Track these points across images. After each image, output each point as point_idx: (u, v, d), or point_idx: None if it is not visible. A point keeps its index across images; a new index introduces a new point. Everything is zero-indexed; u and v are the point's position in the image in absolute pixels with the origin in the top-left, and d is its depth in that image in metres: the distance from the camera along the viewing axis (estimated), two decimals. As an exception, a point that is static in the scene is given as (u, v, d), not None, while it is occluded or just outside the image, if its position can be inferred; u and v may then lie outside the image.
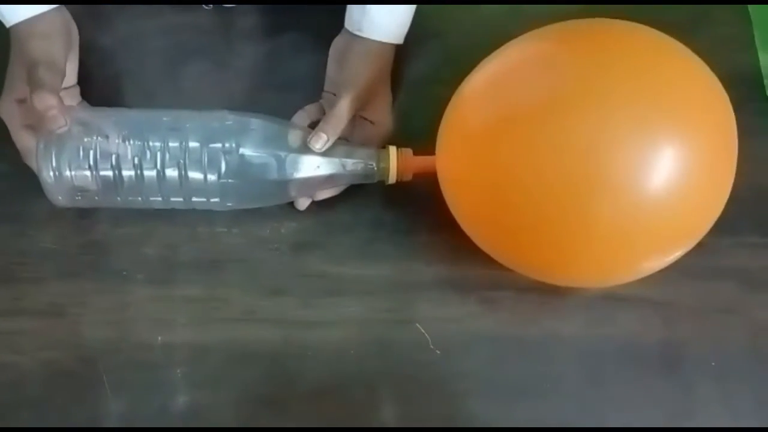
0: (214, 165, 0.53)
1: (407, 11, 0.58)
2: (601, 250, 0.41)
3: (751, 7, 0.65)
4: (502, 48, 0.45)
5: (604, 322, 0.55)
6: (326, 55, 0.61)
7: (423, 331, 0.55)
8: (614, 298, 0.56)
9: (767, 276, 0.56)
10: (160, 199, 0.55)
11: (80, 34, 0.60)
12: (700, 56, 0.43)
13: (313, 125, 0.56)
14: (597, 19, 0.41)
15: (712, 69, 0.44)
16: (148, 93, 0.62)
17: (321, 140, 0.54)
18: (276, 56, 0.65)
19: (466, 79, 0.50)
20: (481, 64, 0.49)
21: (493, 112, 0.43)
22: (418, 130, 0.60)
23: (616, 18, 0.43)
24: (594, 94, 0.37)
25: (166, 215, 0.58)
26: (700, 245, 0.55)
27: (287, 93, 0.63)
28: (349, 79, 0.56)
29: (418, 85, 0.63)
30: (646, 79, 0.37)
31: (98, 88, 0.61)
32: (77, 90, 0.59)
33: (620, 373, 0.54)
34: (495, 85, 0.44)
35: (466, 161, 0.48)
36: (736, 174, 0.45)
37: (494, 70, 0.46)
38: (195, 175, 0.53)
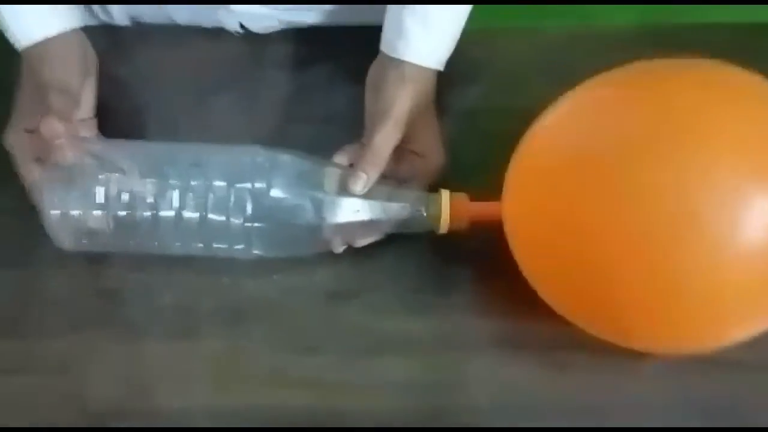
0: (240, 207, 0.47)
1: (448, 32, 0.51)
2: (692, 312, 0.36)
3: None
4: (586, 83, 0.40)
5: (697, 390, 0.46)
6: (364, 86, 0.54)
7: (479, 398, 0.47)
8: (709, 362, 0.47)
9: None
10: (178, 244, 0.48)
11: (98, 63, 0.54)
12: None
13: None
14: (685, 59, 0.37)
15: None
16: (171, 127, 0.56)
17: (360, 180, 0.47)
18: (311, 88, 0.59)
19: (543, 115, 0.43)
20: (561, 99, 0.42)
21: (580, 153, 0.38)
22: (468, 166, 0.53)
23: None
24: (694, 135, 0.33)
25: (186, 260, 0.51)
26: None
27: (323, 126, 0.56)
28: (384, 107, 0.49)
29: (467, 117, 0.57)
30: (749, 122, 0.33)
31: (117, 121, 0.55)
32: (94, 122, 0.54)
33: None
34: (581, 122, 0.39)
35: (542, 207, 0.42)
36: None
37: (579, 107, 0.40)
38: (218, 217, 0.47)
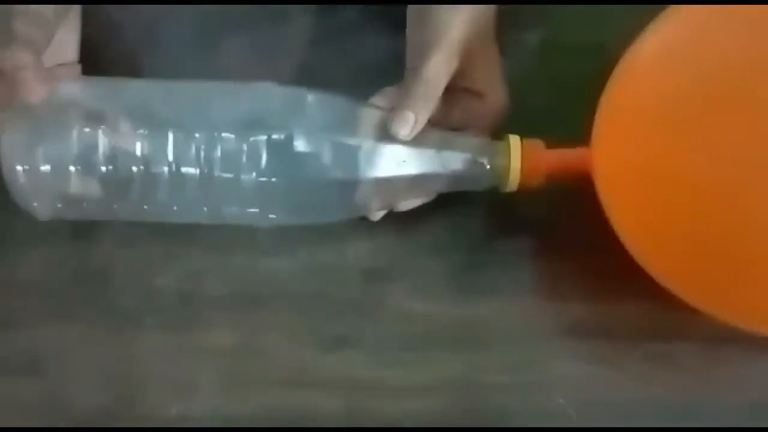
0: (254, 159, 0.37)
1: None
2: None
3: None
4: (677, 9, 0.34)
5: None
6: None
7: (560, 400, 0.37)
8: None
9: None
10: (176, 209, 0.39)
11: (88, 7, 0.45)
12: None
13: None
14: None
15: None
16: (172, 73, 0.46)
17: (407, 121, 0.37)
18: (335, 26, 0.49)
19: (638, 42, 0.36)
20: (657, 22, 0.36)
21: (698, 82, 0.33)
22: (533, 112, 0.43)
23: None
24: None
25: (188, 234, 0.41)
26: None
27: (354, 73, 0.46)
28: (434, 31, 0.39)
29: (530, 56, 0.46)
30: None
31: (107, 68, 0.46)
32: (78, 69, 0.44)
33: None
34: (698, 44, 0.33)
35: (653, 152, 0.34)
36: None
37: (690, 27, 0.34)
38: (227, 174, 0.37)
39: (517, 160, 0.37)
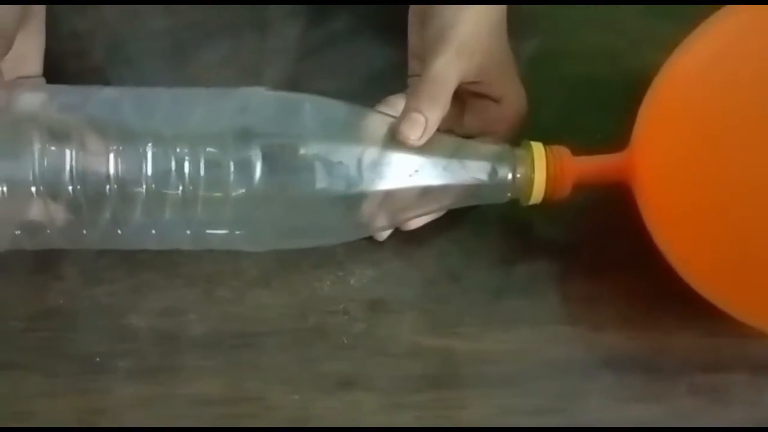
0: (243, 174, 0.32)
1: None
2: None
3: None
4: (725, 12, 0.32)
5: None
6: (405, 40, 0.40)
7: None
8: None
9: None
10: (154, 233, 0.33)
11: (54, 19, 0.40)
12: None
13: None
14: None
15: None
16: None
17: (417, 124, 0.32)
18: (327, 35, 0.45)
19: (683, 46, 0.33)
20: (706, 24, 0.33)
21: (749, 82, 0.30)
22: (551, 120, 0.39)
23: None
24: None
25: (167, 264, 0.36)
26: None
27: (346, 82, 0.42)
28: (441, 30, 0.35)
29: (544, 62, 0.42)
30: None
31: (73, 83, 0.40)
32: (42, 82, 0.39)
33: None
34: (746, 45, 0.31)
35: (699, 160, 0.31)
36: None
37: (737, 28, 0.32)
38: (213, 192, 0.32)
39: (542, 168, 0.33)
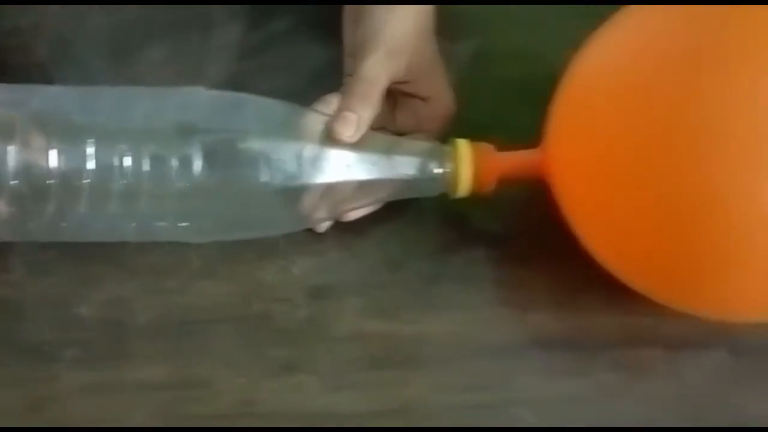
0: (185, 167, 0.33)
1: None
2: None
3: None
4: (630, 8, 0.34)
5: None
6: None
7: (528, 419, 0.34)
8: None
9: None
10: (99, 226, 0.34)
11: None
12: None
13: None
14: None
15: None
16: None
17: (350, 121, 0.34)
18: (268, 35, 0.46)
19: (588, 46, 0.35)
20: (606, 26, 0.35)
21: (644, 75, 0.31)
22: (480, 118, 0.41)
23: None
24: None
25: (111, 256, 0.37)
26: None
27: (287, 81, 0.43)
28: (372, 30, 0.37)
29: (474, 64, 0.44)
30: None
31: (15, 81, 0.41)
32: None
33: None
34: (640, 44, 0.33)
35: (603, 149, 0.32)
36: None
37: (632, 29, 0.34)
38: (157, 184, 0.33)
39: (468, 163, 0.35)
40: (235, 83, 0.42)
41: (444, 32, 0.41)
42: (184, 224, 0.34)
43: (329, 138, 0.34)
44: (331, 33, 0.42)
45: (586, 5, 0.46)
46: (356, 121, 0.34)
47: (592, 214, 0.34)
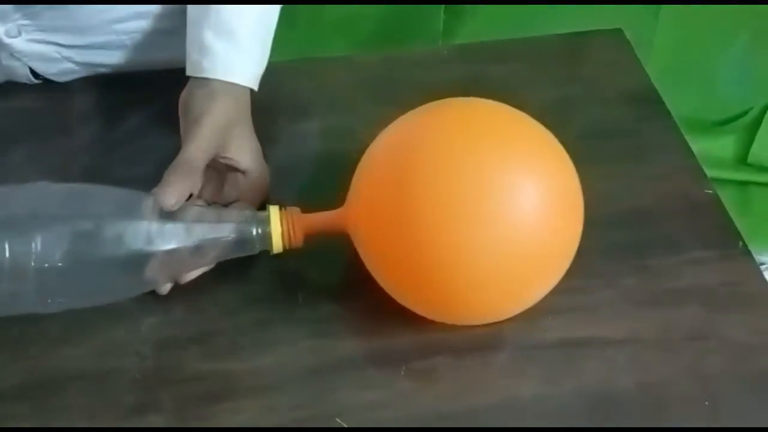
0: (38, 250, 0.39)
1: (255, 45, 0.48)
2: (484, 277, 0.39)
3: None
4: (409, 113, 0.44)
5: (566, 375, 0.43)
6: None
7: (345, 426, 0.41)
8: (569, 344, 0.44)
9: (726, 292, 0.47)
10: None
11: None
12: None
13: None
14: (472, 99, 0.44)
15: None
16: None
17: (169, 191, 0.41)
18: (122, 132, 0.53)
19: (380, 136, 0.44)
20: (393, 124, 0.44)
21: (411, 162, 0.41)
22: (304, 186, 0.49)
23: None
24: (485, 144, 0.40)
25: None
26: (645, 268, 0.47)
27: (138, 167, 0.50)
28: (192, 121, 0.44)
29: (298, 141, 0.53)
30: (507, 143, 0.41)
31: None
32: None
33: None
34: (408, 141, 0.42)
35: (383, 206, 0.41)
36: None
37: (405, 130, 0.43)
38: (16, 268, 0.39)
39: (277, 224, 0.42)
40: (96, 176, 0.48)
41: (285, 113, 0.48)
42: (42, 298, 0.40)
43: (166, 215, 0.41)
44: (170, 129, 0.50)
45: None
46: (174, 190, 0.41)
47: (384, 255, 0.41)
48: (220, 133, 0.44)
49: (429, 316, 0.42)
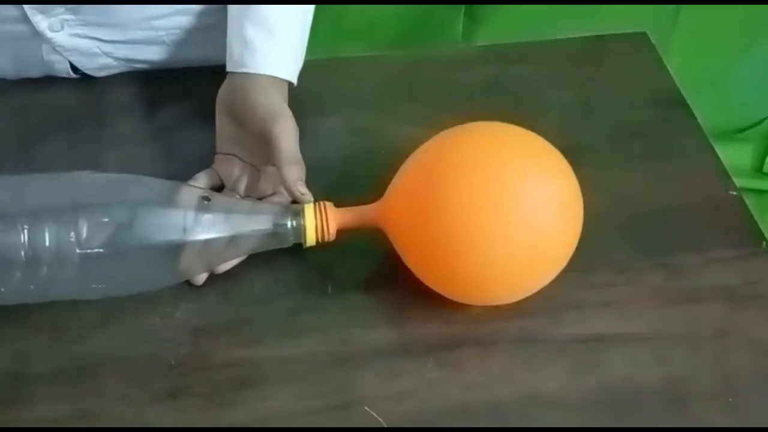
0: (78, 238, 0.39)
1: (295, 41, 0.48)
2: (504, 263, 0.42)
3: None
4: (448, 131, 0.45)
5: (590, 369, 0.43)
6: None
7: (374, 414, 0.41)
8: (594, 339, 0.44)
9: (750, 290, 0.47)
10: (2, 290, 0.39)
11: None
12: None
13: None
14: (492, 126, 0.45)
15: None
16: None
17: (304, 189, 0.44)
18: (156, 127, 0.53)
19: (415, 152, 0.45)
20: (431, 139, 0.45)
21: (437, 171, 0.43)
22: (336, 182, 0.49)
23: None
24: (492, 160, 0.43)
25: (12, 313, 0.42)
26: (670, 266, 0.46)
27: (172, 163, 0.51)
28: (270, 109, 0.45)
29: (328, 139, 0.53)
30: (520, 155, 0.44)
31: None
32: None
33: (622, 425, 0.41)
34: (438, 153, 0.44)
35: (417, 204, 0.43)
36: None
37: (437, 144, 0.45)
38: (57, 255, 0.39)
39: (312, 219, 0.43)
40: (129, 168, 0.49)
41: (312, 111, 0.49)
42: (82, 285, 0.40)
43: (202, 206, 0.41)
44: (204, 124, 0.50)
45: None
46: (305, 187, 0.44)
47: (417, 247, 0.42)
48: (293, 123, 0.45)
49: (454, 297, 0.43)
